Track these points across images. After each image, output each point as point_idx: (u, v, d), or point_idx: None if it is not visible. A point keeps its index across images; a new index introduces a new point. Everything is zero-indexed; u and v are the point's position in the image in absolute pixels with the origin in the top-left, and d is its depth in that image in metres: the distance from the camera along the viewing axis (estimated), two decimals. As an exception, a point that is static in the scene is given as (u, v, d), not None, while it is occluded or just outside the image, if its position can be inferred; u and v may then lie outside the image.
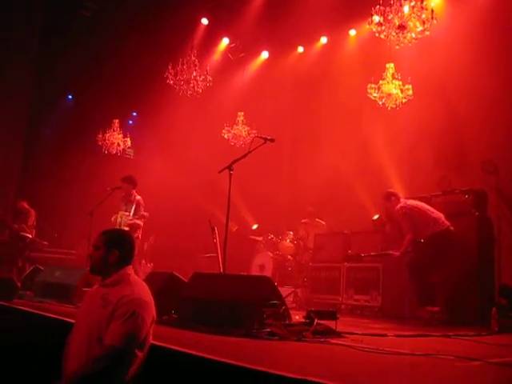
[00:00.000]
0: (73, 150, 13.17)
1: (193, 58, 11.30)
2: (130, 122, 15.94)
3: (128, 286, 3.38)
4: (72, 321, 3.54)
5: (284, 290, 8.35)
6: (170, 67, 11.18)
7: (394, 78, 9.32)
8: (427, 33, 7.57)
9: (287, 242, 10.59)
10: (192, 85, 11.27)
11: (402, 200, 7.12)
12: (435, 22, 7.42)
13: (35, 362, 4.47)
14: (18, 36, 12.74)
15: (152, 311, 3.39)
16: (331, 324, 4.87)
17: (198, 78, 11.24)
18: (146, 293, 3.42)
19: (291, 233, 10.72)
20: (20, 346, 4.79)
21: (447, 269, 6.64)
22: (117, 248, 3.47)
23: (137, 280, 3.53)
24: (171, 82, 11.38)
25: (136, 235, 8.80)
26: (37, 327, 5.09)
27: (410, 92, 9.17)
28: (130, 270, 3.52)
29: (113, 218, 8.70)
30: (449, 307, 6.49)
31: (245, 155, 6.71)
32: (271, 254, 10.52)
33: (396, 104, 9.41)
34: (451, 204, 7.11)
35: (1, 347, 4.91)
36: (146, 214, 8.83)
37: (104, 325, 3.23)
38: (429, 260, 6.66)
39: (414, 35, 7.58)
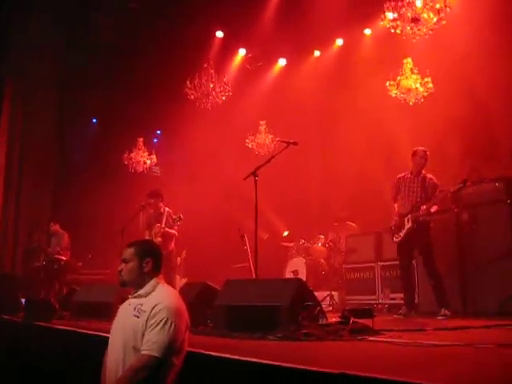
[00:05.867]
0: (100, 172, 13.37)
1: (210, 71, 11.39)
2: (155, 140, 16.07)
3: (160, 295, 3.40)
4: (109, 335, 3.55)
5: (319, 294, 8.28)
6: (188, 82, 11.28)
7: (412, 72, 9.26)
8: (443, 22, 7.51)
9: (319, 246, 10.55)
10: (211, 97, 11.34)
11: None
12: (449, 10, 7.36)
13: (75, 381, 4.51)
14: (41, 70, 13.07)
15: (186, 318, 3.39)
16: (368, 322, 4.82)
17: (217, 89, 11.30)
18: (178, 300, 3.43)
19: (322, 236, 10.68)
20: (60, 364, 4.84)
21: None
22: (150, 257, 3.50)
23: (168, 288, 3.55)
24: (192, 97, 11.48)
25: (170, 247, 8.85)
26: (75, 345, 5.14)
27: (431, 85, 9.10)
28: (160, 278, 3.54)
29: (147, 235, 8.76)
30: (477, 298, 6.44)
31: (268, 160, 6.72)
32: (304, 259, 10.48)
33: (417, 98, 9.35)
34: (482, 193, 6.99)
35: (41, 367, 4.96)
36: (179, 215, 8.81)
37: (139, 335, 3.25)
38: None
39: (429, 27, 7.51)
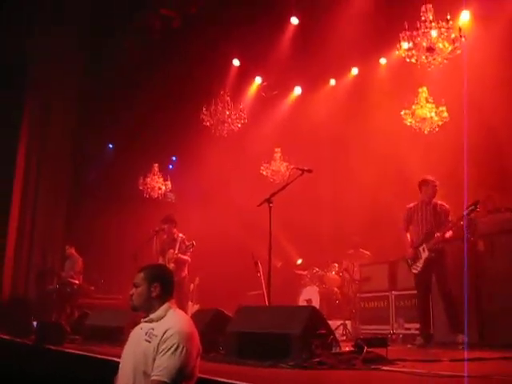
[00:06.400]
0: (116, 197, 13.47)
1: (227, 98, 11.50)
2: (170, 166, 16.16)
3: (172, 320, 3.38)
4: (119, 360, 3.53)
5: (332, 323, 8.18)
6: (204, 109, 11.39)
7: (427, 101, 9.28)
8: (458, 51, 7.56)
9: (333, 275, 10.48)
10: (227, 124, 11.43)
11: None
12: (463, 39, 7.40)
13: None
14: (59, 92, 13.30)
15: (197, 343, 3.37)
16: (382, 352, 4.75)
17: (233, 117, 11.40)
18: (190, 325, 3.40)
19: (336, 265, 10.61)
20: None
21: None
22: (158, 281, 3.49)
23: (180, 313, 3.52)
24: (208, 124, 11.58)
25: (184, 273, 8.86)
26: (86, 369, 5.12)
27: (446, 114, 9.11)
28: (172, 303, 3.52)
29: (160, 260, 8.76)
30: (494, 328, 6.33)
31: (283, 187, 6.73)
32: (317, 288, 10.41)
33: (432, 127, 9.36)
34: (498, 223, 6.92)
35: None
36: (192, 242, 8.82)
37: (150, 359, 3.22)
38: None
39: (444, 56, 7.56)
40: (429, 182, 7.21)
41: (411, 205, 7.39)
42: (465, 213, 6.59)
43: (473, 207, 6.51)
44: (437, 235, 6.89)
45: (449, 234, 6.90)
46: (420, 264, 7.05)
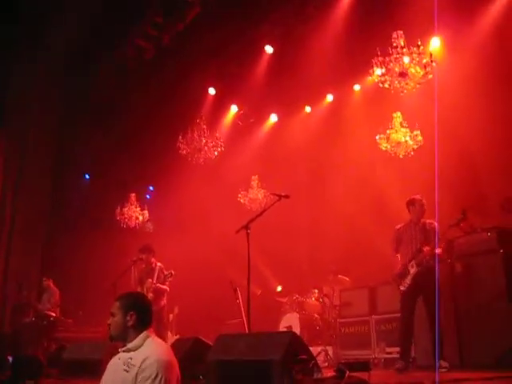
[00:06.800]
0: (92, 227, 13.34)
1: (203, 126, 11.54)
2: (148, 196, 16.08)
3: (150, 348, 3.34)
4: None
5: (313, 350, 8.10)
6: (180, 137, 11.40)
7: (401, 126, 9.42)
8: (430, 76, 7.70)
9: (313, 301, 10.43)
10: (203, 152, 11.45)
11: None
12: (434, 64, 7.56)
13: None
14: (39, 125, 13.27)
15: (176, 372, 3.33)
16: (364, 376, 4.72)
17: (209, 144, 11.42)
18: (168, 353, 3.36)
19: (316, 291, 10.56)
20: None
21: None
22: (133, 310, 3.44)
23: (158, 341, 3.48)
24: (184, 152, 11.58)
25: (162, 302, 8.78)
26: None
27: (420, 138, 9.25)
28: (150, 332, 3.47)
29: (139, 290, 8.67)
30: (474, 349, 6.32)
31: (261, 213, 6.73)
32: (298, 315, 10.32)
33: (407, 151, 9.48)
34: (474, 244, 6.97)
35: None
36: (170, 272, 8.75)
37: (128, 389, 3.17)
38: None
39: (416, 81, 7.71)
40: (416, 201, 7.19)
41: (399, 226, 7.33)
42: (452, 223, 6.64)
43: (462, 216, 6.55)
44: (426, 249, 6.81)
45: (439, 250, 6.80)
46: (408, 281, 6.92)
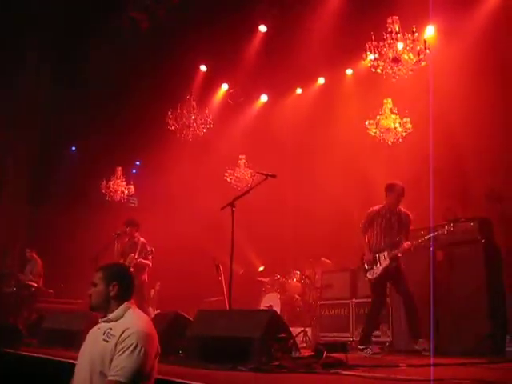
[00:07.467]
0: (77, 199, 13.28)
1: (192, 103, 11.47)
2: (134, 171, 16.00)
3: (130, 319, 3.33)
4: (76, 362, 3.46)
5: (293, 330, 8.16)
6: (169, 113, 11.33)
7: (392, 112, 9.43)
8: (423, 63, 7.70)
9: (294, 282, 10.50)
10: (192, 129, 11.39)
11: None
12: (428, 51, 7.56)
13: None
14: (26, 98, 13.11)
15: (156, 344, 3.32)
16: (342, 357, 4.77)
17: (198, 121, 11.37)
18: (149, 325, 3.36)
19: (298, 272, 10.63)
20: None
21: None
22: (116, 280, 3.44)
23: (139, 313, 3.48)
24: (172, 128, 11.52)
25: (143, 277, 8.81)
26: (42, 372, 5.01)
27: (409, 125, 9.27)
28: (131, 303, 3.47)
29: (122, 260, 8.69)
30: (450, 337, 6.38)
31: (247, 192, 6.75)
32: (279, 295, 10.39)
33: (396, 138, 9.50)
34: (457, 233, 7.00)
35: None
36: (151, 249, 8.78)
37: (107, 359, 3.16)
38: None
39: (409, 67, 7.70)
40: (396, 188, 6.99)
41: (375, 208, 7.13)
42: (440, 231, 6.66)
43: (452, 225, 6.56)
44: (407, 244, 6.76)
45: (407, 244, 6.79)
46: (378, 271, 6.88)
